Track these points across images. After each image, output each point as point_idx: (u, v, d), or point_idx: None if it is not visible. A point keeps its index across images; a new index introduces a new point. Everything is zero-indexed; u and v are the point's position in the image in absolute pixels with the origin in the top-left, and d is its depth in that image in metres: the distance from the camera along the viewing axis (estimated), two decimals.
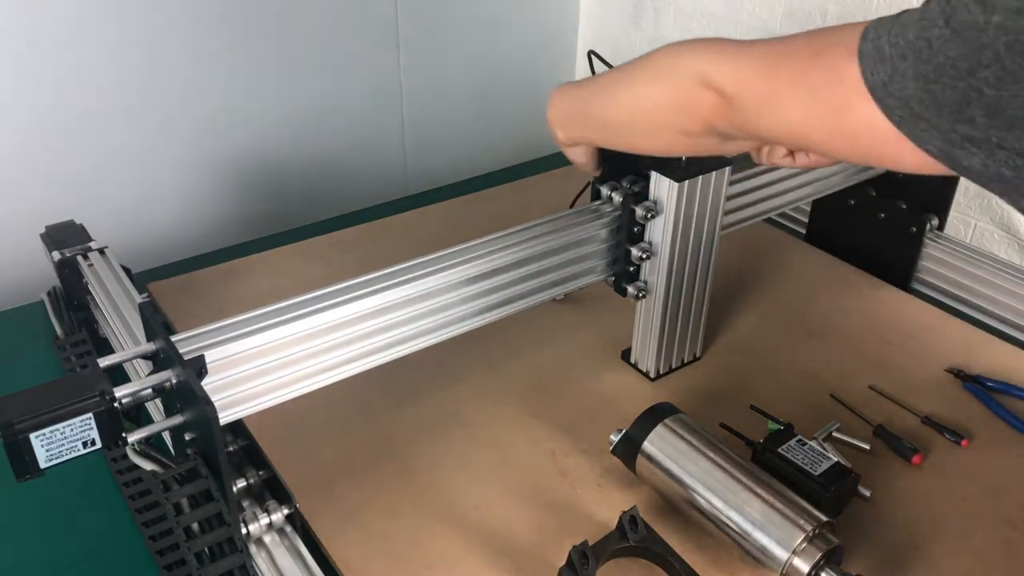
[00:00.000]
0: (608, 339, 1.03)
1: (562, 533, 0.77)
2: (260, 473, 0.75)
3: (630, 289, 0.92)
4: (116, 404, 0.64)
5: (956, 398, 0.95)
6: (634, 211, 0.87)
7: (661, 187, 0.86)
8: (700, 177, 0.86)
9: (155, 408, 0.81)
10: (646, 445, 0.78)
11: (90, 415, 0.62)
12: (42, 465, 0.62)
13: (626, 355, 1.00)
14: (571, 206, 0.94)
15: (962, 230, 1.40)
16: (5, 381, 0.95)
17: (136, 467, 0.74)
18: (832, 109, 0.48)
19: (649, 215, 0.86)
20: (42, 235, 1.03)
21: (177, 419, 0.69)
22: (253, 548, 0.72)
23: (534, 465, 0.86)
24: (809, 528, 0.69)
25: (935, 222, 1.11)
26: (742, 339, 1.05)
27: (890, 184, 1.11)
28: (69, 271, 1.00)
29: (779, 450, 0.81)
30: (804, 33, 0.51)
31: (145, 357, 0.71)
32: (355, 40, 1.48)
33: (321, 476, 0.84)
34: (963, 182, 1.19)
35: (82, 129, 1.25)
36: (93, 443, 0.63)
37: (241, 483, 0.74)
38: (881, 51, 0.44)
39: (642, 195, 0.87)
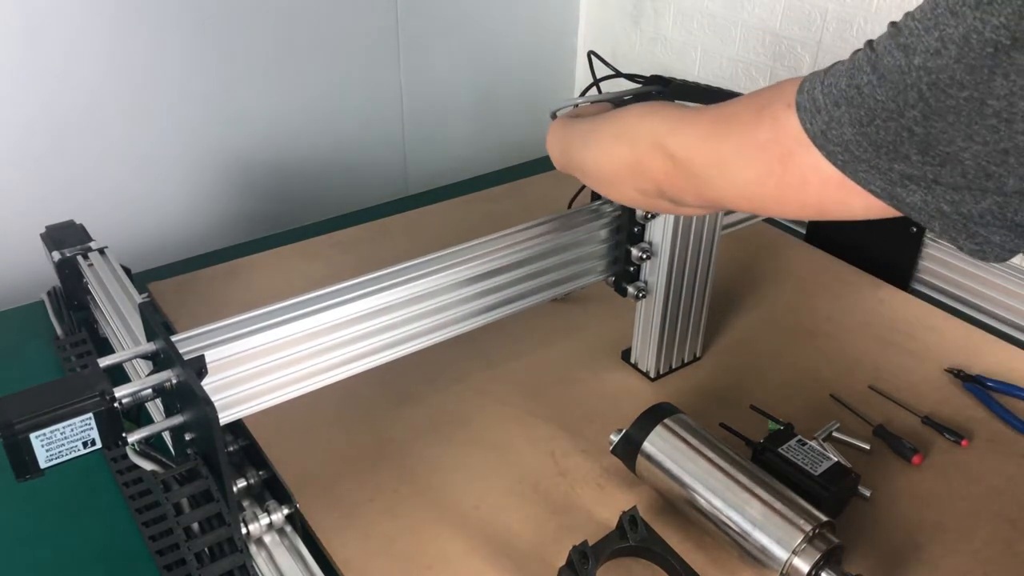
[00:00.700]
0: (608, 339, 1.03)
1: (562, 533, 0.77)
2: (260, 473, 0.75)
3: (630, 289, 0.92)
4: (116, 404, 0.64)
5: (956, 398, 0.95)
6: (634, 211, 0.87)
7: None
8: None
9: (155, 408, 0.81)
10: (646, 445, 0.78)
11: (90, 415, 0.62)
12: (42, 465, 0.62)
13: (626, 355, 1.00)
14: (569, 206, 0.94)
15: None
16: (5, 381, 0.95)
17: (136, 467, 0.74)
18: (778, 160, 0.49)
19: (649, 215, 0.86)
20: (42, 235, 1.03)
21: (177, 419, 0.69)
22: (253, 548, 0.72)
23: (534, 465, 0.86)
24: (809, 528, 0.69)
25: None
26: (742, 339, 1.05)
27: None
28: (69, 271, 1.00)
29: (779, 450, 0.81)
30: (748, 95, 0.53)
31: (145, 357, 0.71)
32: (355, 40, 1.48)
33: (321, 476, 0.84)
34: None
35: (82, 129, 1.25)
36: (93, 443, 0.63)
37: (241, 483, 0.74)
38: (816, 101, 0.46)
39: None
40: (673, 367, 0.99)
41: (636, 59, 1.68)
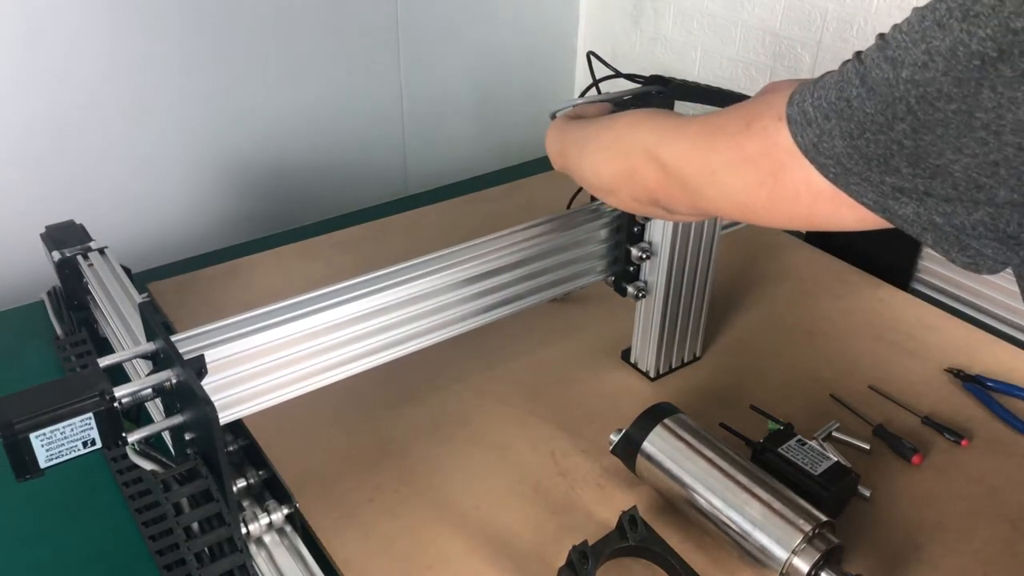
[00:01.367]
0: (608, 339, 1.03)
1: (562, 533, 0.77)
2: (260, 473, 0.75)
3: (630, 289, 0.92)
4: (116, 404, 0.64)
5: (956, 398, 0.95)
6: None
7: None
8: None
9: (155, 408, 0.81)
10: (646, 445, 0.78)
11: (90, 415, 0.62)
12: (42, 465, 0.62)
13: (626, 355, 1.00)
14: (568, 207, 0.94)
15: None
16: (5, 381, 0.95)
17: (136, 467, 0.74)
18: (769, 172, 0.49)
19: None
20: (42, 235, 1.03)
21: (177, 419, 0.69)
22: (253, 548, 0.72)
23: (534, 465, 0.86)
24: (809, 528, 0.69)
25: None
26: (742, 339, 1.05)
27: None
28: (69, 271, 1.00)
29: (779, 450, 0.81)
30: (737, 105, 0.53)
31: (145, 357, 0.71)
32: (356, 40, 1.48)
33: (321, 476, 0.84)
34: None
35: (82, 129, 1.25)
36: (93, 443, 0.63)
37: (241, 483, 0.74)
38: (806, 114, 0.46)
39: None
40: (673, 367, 0.99)
41: (636, 59, 1.68)
